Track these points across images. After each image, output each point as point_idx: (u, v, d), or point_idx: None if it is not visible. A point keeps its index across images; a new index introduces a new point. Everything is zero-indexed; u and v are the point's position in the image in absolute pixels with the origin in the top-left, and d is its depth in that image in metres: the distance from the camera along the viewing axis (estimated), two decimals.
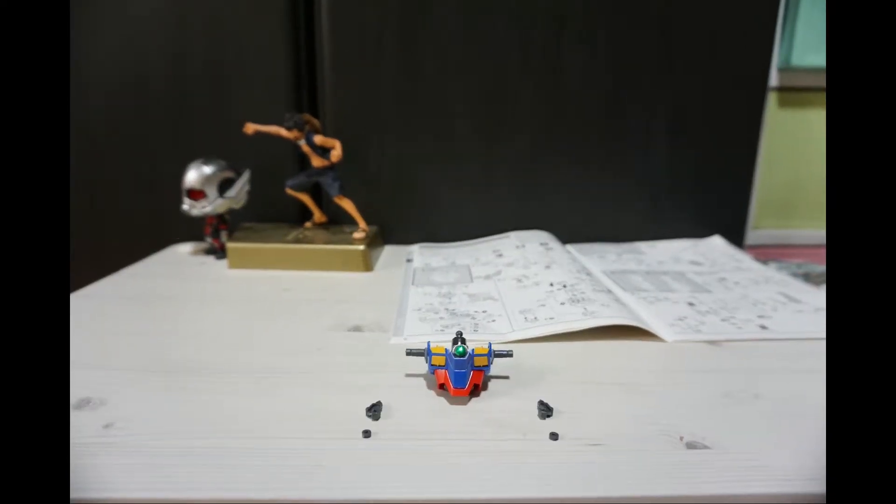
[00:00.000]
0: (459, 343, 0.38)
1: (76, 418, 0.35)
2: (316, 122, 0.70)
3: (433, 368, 0.38)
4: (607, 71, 0.76)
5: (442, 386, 0.38)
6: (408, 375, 0.42)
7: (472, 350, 0.38)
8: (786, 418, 0.36)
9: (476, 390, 0.39)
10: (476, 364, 0.38)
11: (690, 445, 0.33)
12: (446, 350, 0.38)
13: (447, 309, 0.55)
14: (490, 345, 0.39)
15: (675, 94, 0.77)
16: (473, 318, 0.52)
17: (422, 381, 0.41)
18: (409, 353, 0.41)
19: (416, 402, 0.38)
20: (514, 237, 0.76)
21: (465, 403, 0.38)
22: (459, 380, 0.37)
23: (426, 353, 0.39)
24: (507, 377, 0.41)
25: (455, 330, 0.49)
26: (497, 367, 0.43)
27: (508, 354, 0.40)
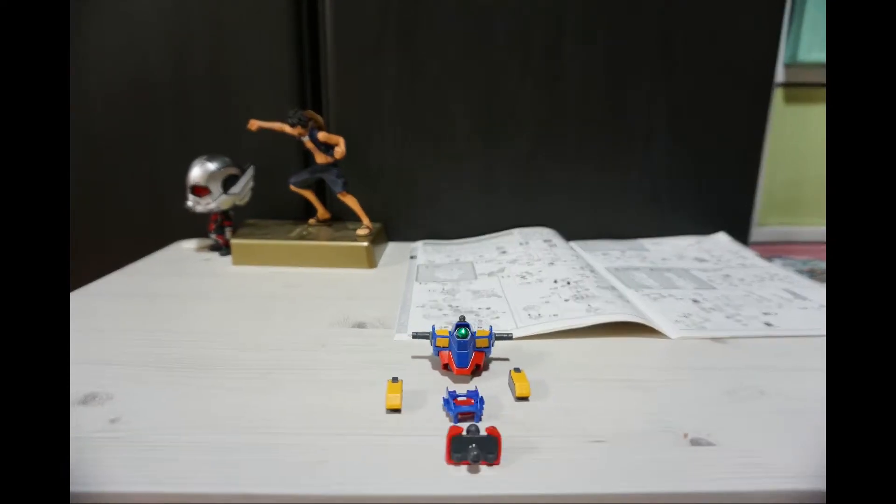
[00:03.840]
0: (462, 326, 0.40)
1: (82, 413, 0.35)
2: (319, 118, 0.70)
3: (437, 350, 0.41)
4: (610, 70, 0.76)
5: (446, 366, 0.40)
6: (411, 371, 0.42)
7: (474, 332, 0.40)
8: (790, 415, 0.36)
9: (478, 370, 0.42)
10: (478, 346, 0.40)
11: (694, 442, 0.33)
12: (450, 332, 0.41)
13: (451, 305, 0.55)
14: (491, 328, 0.42)
15: (679, 90, 0.77)
16: (477, 315, 0.52)
17: (426, 378, 0.41)
18: (415, 336, 0.43)
19: (420, 399, 0.38)
20: (517, 234, 0.76)
21: (467, 381, 0.40)
22: (462, 360, 0.39)
23: (431, 335, 0.42)
24: (505, 360, 0.41)
25: None
26: (501, 369, 0.43)
27: (508, 337, 0.43)
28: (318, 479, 0.29)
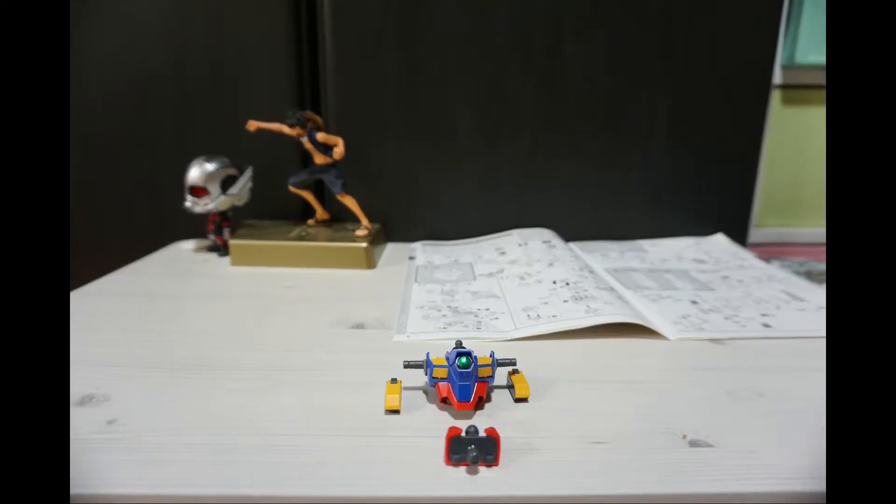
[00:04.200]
0: (463, 355, 0.36)
1: (80, 414, 0.35)
2: (318, 119, 0.70)
3: (434, 381, 0.36)
4: (610, 70, 0.76)
5: (444, 400, 0.36)
6: (410, 372, 0.41)
7: (476, 359, 0.36)
8: (788, 416, 0.36)
9: (481, 402, 0.37)
10: (480, 375, 0.36)
11: (693, 443, 0.33)
12: (448, 361, 0.36)
13: (450, 306, 0.55)
14: (493, 354, 0.38)
15: (677, 91, 0.77)
16: (476, 316, 0.52)
17: (425, 379, 0.40)
18: (407, 365, 0.38)
19: (419, 400, 0.38)
20: (516, 235, 0.76)
21: (470, 417, 0.36)
22: (464, 393, 0.35)
23: (426, 365, 0.38)
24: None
25: (458, 327, 0.49)
26: (500, 370, 0.42)
27: (512, 363, 0.39)
28: (318, 479, 0.29)
